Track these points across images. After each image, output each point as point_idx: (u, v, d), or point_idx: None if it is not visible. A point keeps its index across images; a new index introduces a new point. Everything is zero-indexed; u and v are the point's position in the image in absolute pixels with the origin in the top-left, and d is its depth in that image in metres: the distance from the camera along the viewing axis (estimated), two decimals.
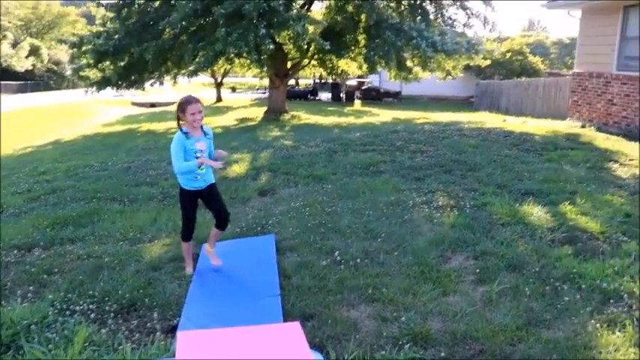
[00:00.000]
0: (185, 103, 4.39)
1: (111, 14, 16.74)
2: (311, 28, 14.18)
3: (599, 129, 12.30)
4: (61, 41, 21.87)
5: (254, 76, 30.76)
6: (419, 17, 16.49)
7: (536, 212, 5.85)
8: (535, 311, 3.76)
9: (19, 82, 53.72)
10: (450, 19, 17.26)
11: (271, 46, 14.25)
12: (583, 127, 12.65)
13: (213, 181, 4.75)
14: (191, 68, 15.38)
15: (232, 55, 14.52)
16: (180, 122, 4.48)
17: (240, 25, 13.18)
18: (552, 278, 4.25)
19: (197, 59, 14.47)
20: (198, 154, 4.44)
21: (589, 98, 13.61)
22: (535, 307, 3.81)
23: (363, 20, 16.70)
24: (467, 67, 22.16)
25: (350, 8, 17.09)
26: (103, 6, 17.14)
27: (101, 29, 17.19)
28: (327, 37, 15.05)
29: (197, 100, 4.43)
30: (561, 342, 3.35)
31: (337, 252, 4.85)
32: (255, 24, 13.20)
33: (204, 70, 15.50)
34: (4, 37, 53.22)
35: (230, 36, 12.95)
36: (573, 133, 11.16)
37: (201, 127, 4.53)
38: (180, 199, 4.74)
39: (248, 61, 17.49)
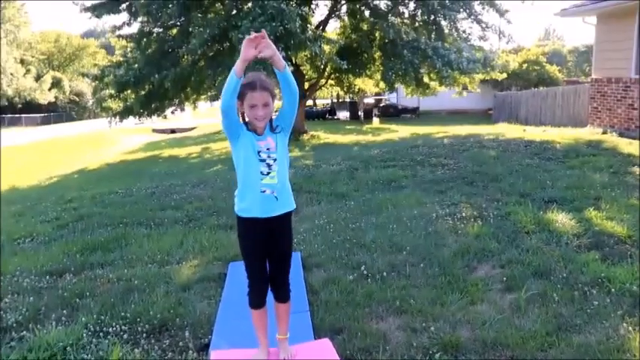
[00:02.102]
0: (245, 88, 2.90)
1: (131, 44, 17.12)
2: (327, 48, 14.35)
3: (621, 134, 12.20)
4: (83, 75, 22.45)
5: None
6: (433, 33, 16.60)
7: (560, 219, 5.83)
8: (565, 316, 3.74)
9: (42, 115, 54.93)
10: (465, 32, 17.33)
11: (291, 69, 14.43)
12: (604, 133, 12.55)
13: (292, 208, 3.17)
14: (212, 93, 15.60)
15: None
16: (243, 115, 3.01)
17: None
18: (580, 283, 4.23)
19: (217, 84, 14.68)
20: (264, 155, 2.97)
21: (609, 104, 13.51)
22: (564, 313, 3.80)
23: (378, 38, 16.84)
24: (484, 80, 22.21)
25: (365, 26, 17.27)
26: (122, 37, 17.53)
27: (121, 59, 17.56)
28: (343, 55, 15.21)
29: (263, 87, 2.90)
30: (593, 346, 3.33)
31: (363, 266, 4.88)
32: None
33: None
34: (28, 71, 54.56)
35: None
36: (595, 140, 11.08)
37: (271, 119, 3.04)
38: (238, 238, 3.14)
39: None
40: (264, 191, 2.96)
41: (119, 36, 17.61)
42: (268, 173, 2.97)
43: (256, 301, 3.16)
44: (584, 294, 4.06)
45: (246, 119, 3.00)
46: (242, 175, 3.01)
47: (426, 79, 17.82)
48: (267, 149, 2.97)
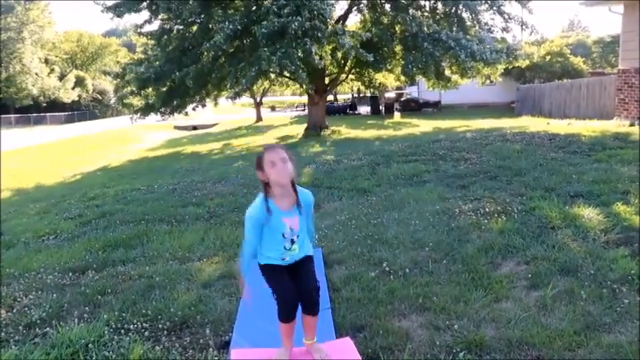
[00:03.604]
0: (261, 157, 2.96)
1: (151, 42, 17.23)
2: (351, 41, 14.29)
3: None
4: (105, 73, 22.80)
5: (292, 94, 31.09)
6: (455, 25, 16.42)
7: (587, 214, 5.69)
8: (593, 315, 3.64)
9: (66, 113, 55.76)
10: (487, 24, 17.11)
11: (322, 62, 14.41)
12: (632, 125, 12.27)
13: (310, 254, 3.20)
14: (234, 90, 15.62)
15: (273, 75, 14.77)
16: (268, 188, 2.99)
17: (282, 43, 13.35)
18: (609, 281, 4.11)
19: (238, 80, 14.69)
20: (287, 234, 3.01)
21: (636, 95, 13.21)
22: (593, 311, 3.69)
23: (399, 31, 16.71)
24: (506, 72, 21.88)
25: (385, 20, 17.15)
26: (143, 35, 17.65)
27: (142, 56, 17.69)
28: (364, 50, 15.12)
29: (278, 148, 2.98)
30: (624, 346, 3.23)
31: (385, 263, 4.81)
32: (297, 42, 13.32)
33: (246, 90, 15.76)
34: (52, 70, 55.41)
35: (274, 55, 13.12)
36: (622, 132, 10.84)
37: (295, 191, 3.03)
38: (263, 275, 3.16)
39: (286, 78, 17.75)
40: (283, 259, 3.07)
41: (140, 33, 17.72)
42: (290, 248, 3.06)
43: (286, 315, 3.09)
44: (614, 292, 3.95)
45: (270, 186, 2.97)
46: (263, 247, 3.07)
47: (447, 72, 17.65)
48: (291, 230, 3.01)
